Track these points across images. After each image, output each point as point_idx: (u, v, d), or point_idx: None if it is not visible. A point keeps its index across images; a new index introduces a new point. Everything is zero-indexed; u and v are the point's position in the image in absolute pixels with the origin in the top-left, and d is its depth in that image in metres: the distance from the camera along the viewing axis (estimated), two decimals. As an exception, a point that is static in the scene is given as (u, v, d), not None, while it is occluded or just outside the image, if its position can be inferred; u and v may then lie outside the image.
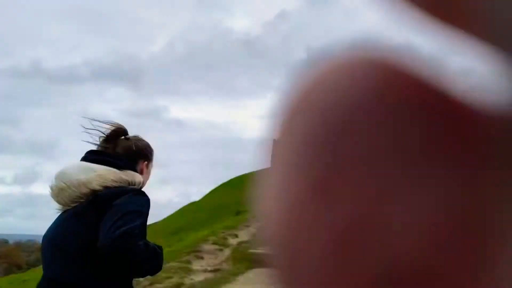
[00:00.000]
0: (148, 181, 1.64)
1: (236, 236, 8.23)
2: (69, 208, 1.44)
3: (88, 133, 1.55)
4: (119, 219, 1.34)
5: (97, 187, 1.41)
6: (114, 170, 1.47)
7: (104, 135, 1.56)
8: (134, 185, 1.48)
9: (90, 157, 1.53)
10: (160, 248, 1.50)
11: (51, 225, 1.50)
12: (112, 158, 1.52)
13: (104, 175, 1.44)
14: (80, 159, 1.56)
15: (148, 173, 1.64)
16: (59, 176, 1.46)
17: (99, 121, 1.58)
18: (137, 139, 1.62)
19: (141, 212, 1.42)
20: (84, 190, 1.41)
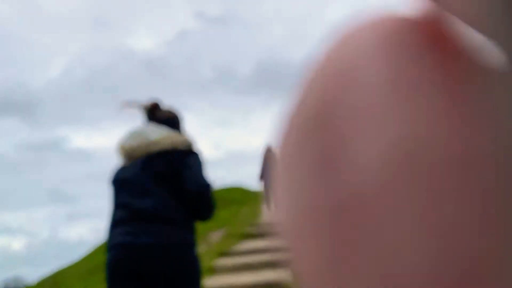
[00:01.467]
0: None
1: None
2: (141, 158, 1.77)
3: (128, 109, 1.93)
4: (199, 171, 1.74)
5: (166, 146, 1.76)
6: (177, 133, 1.86)
7: (147, 108, 1.91)
8: (190, 144, 1.82)
9: (152, 122, 1.87)
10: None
11: (123, 170, 1.80)
12: (172, 123, 1.89)
13: (172, 136, 1.80)
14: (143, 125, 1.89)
15: None
16: (133, 136, 1.81)
17: (134, 101, 1.96)
18: (171, 108, 1.97)
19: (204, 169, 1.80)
20: (160, 145, 1.76)
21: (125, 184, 1.77)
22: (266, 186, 8.25)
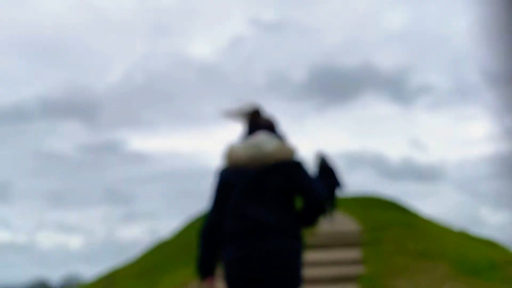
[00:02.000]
0: None
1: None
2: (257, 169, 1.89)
3: (229, 116, 2.03)
4: (318, 184, 1.90)
5: (281, 157, 1.89)
6: (285, 143, 1.97)
7: (248, 114, 2.02)
8: (294, 154, 1.95)
9: (262, 132, 1.98)
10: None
11: (238, 177, 1.90)
12: (273, 129, 2.02)
13: (284, 147, 1.93)
14: (247, 133, 2.01)
15: None
16: (248, 146, 1.92)
17: (235, 109, 2.04)
18: (270, 115, 2.09)
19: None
20: (274, 157, 1.89)
21: (243, 194, 1.88)
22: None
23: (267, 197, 1.85)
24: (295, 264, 1.85)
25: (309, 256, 5.29)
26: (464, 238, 8.26)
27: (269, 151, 1.89)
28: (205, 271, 1.93)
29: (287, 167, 1.89)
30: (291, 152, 1.94)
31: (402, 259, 5.73)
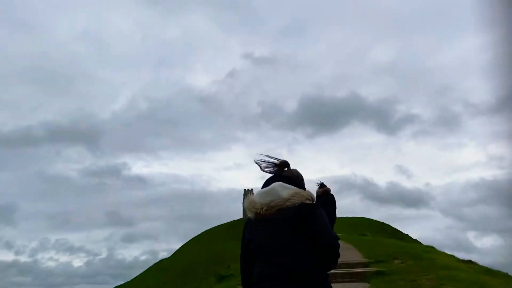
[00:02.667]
0: None
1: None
2: (271, 215, 1.98)
3: (261, 165, 2.18)
4: (327, 226, 1.95)
5: (292, 203, 1.96)
6: (301, 190, 2.06)
7: (275, 166, 2.18)
8: (314, 200, 2.02)
9: (280, 179, 2.10)
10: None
11: (258, 230, 2.00)
12: (296, 181, 2.14)
13: (299, 192, 2.01)
14: (267, 180, 2.14)
15: None
16: (266, 193, 2.03)
17: (269, 156, 2.20)
18: (296, 170, 2.24)
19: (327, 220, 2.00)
20: (289, 202, 1.96)
21: (264, 245, 1.97)
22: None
23: (286, 242, 1.91)
24: None
25: None
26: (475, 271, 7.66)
27: (284, 196, 1.97)
28: None
29: (301, 210, 1.94)
30: (306, 197, 1.99)
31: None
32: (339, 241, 1.98)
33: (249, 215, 2.07)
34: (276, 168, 2.19)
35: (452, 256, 9.65)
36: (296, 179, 2.16)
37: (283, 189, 2.02)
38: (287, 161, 2.22)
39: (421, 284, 5.87)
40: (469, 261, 8.40)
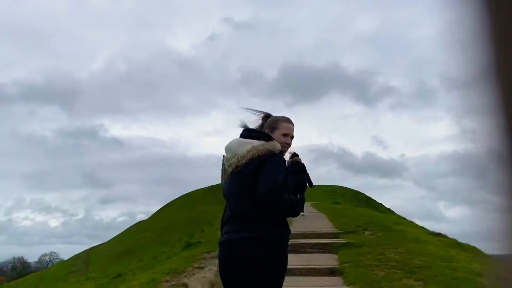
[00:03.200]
0: (280, 144, 2.34)
1: (186, 286, 5.61)
2: (236, 170, 2.21)
3: (253, 113, 2.42)
4: (266, 178, 2.10)
5: (254, 156, 2.17)
6: (263, 142, 2.24)
7: (261, 113, 2.43)
8: (274, 150, 2.21)
9: (246, 133, 2.34)
10: (301, 199, 3.07)
11: (227, 182, 2.29)
12: (258, 134, 2.32)
13: (256, 146, 2.20)
14: (240, 135, 2.35)
15: (276, 138, 2.35)
16: (228, 150, 2.27)
17: (252, 110, 2.44)
18: (270, 117, 2.43)
19: (278, 170, 2.14)
20: (245, 158, 2.18)
21: (226, 194, 2.29)
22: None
23: (246, 192, 2.15)
24: (268, 250, 2.11)
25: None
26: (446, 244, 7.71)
27: (239, 152, 2.21)
28: None
29: (254, 161, 2.17)
30: (263, 150, 2.18)
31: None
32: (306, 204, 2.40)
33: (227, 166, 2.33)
34: (261, 117, 2.45)
35: (422, 228, 9.75)
36: (261, 133, 2.36)
37: (240, 146, 2.25)
38: (269, 113, 2.46)
39: (389, 258, 5.98)
40: (439, 234, 8.44)
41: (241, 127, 2.40)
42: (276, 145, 2.24)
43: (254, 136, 2.30)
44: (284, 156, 2.37)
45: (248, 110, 2.44)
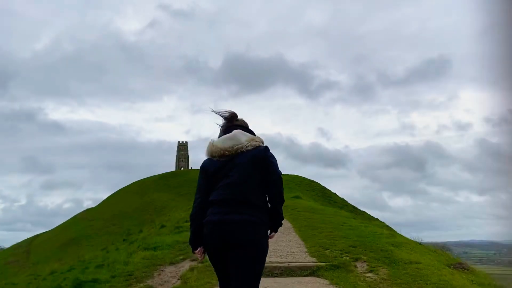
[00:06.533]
0: None
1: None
2: (235, 155, 2.47)
3: (220, 114, 2.64)
4: (276, 168, 2.48)
5: (250, 146, 2.48)
6: (257, 136, 2.60)
7: (226, 118, 2.65)
8: (263, 143, 2.56)
9: (236, 128, 2.60)
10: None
11: (219, 167, 2.47)
12: (248, 130, 2.65)
13: (254, 138, 2.54)
14: (223, 129, 2.62)
15: None
16: (233, 137, 2.50)
17: (219, 111, 2.65)
18: (243, 119, 2.72)
19: (277, 164, 2.53)
20: (249, 146, 2.48)
21: (225, 178, 2.43)
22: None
23: (241, 176, 2.42)
24: (257, 232, 2.35)
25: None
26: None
27: (243, 141, 2.49)
28: (194, 245, 2.52)
29: (258, 151, 2.48)
30: (259, 142, 2.54)
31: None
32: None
33: (213, 156, 2.51)
34: (227, 118, 2.66)
35: (427, 250, 7.28)
36: (247, 127, 2.67)
37: (242, 135, 2.52)
38: (235, 112, 2.68)
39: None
40: (461, 266, 5.89)
41: (228, 118, 2.66)
42: (263, 139, 2.59)
43: (246, 130, 2.63)
44: None
45: (218, 113, 2.66)
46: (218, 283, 2.54)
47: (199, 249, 2.50)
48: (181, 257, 6.34)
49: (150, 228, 15.83)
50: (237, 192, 2.37)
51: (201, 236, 2.46)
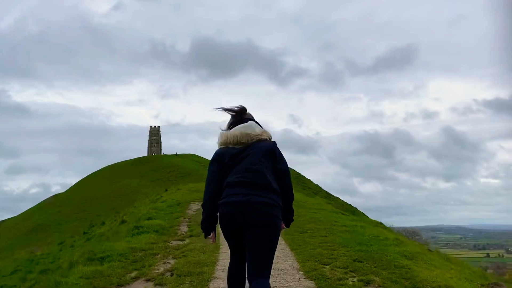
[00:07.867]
0: None
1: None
2: (249, 144, 2.71)
3: (230, 110, 2.84)
4: (284, 159, 2.74)
5: (263, 137, 2.75)
6: (265, 130, 2.84)
7: (237, 111, 2.85)
8: (271, 138, 2.83)
9: (247, 121, 2.81)
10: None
11: (233, 154, 2.68)
12: (257, 123, 2.89)
13: (265, 131, 2.81)
14: (234, 121, 2.83)
15: None
16: (246, 128, 2.74)
17: (228, 108, 2.85)
18: (246, 110, 2.91)
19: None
20: (263, 136, 2.75)
21: (243, 163, 2.64)
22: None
23: (258, 161, 2.65)
24: (272, 213, 2.57)
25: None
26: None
27: (258, 132, 2.75)
28: (207, 230, 2.73)
29: (272, 143, 2.77)
30: (269, 135, 2.82)
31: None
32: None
33: (228, 143, 2.72)
34: (237, 112, 2.85)
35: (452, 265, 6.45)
36: (254, 120, 2.89)
37: (256, 127, 2.78)
38: (244, 106, 2.89)
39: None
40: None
41: (238, 111, 2.85)
42: (271, 135, 2.85)
43: (258, 124, 2.87)
44: None
45: (227, 110, 2.85)
46: None
47: (211, 234, 2.73)
48: (133, 274, 4.69)
49: (113, 220, 15.38)
50: (255, 176, 2.59)
51: (214, 222, 2.70)
